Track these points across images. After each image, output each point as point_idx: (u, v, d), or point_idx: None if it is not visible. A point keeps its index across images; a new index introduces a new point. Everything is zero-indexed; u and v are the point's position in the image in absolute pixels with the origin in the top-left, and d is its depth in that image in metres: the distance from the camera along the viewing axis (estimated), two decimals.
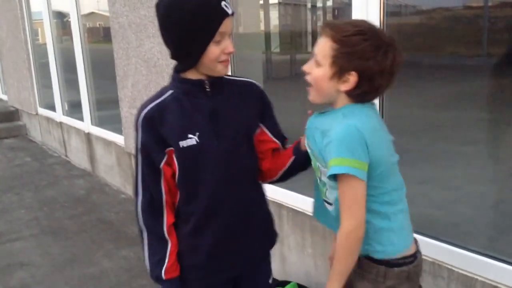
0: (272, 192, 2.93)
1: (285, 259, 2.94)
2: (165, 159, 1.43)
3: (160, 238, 1.49)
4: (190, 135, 1.41)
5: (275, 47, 7.31)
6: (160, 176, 1.45)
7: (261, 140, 1.57)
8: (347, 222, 1.27)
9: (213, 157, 1.44)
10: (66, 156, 6.48)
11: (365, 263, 1.38)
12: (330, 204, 1.41)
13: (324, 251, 2.62)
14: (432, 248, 2.09)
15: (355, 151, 1.22)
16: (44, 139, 7.34)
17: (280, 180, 1.64)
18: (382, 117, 2.22)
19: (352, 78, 1.26)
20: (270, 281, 1.70)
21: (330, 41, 1.27)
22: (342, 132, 1.23)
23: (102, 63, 5.26)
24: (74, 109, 6.09)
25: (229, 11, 1.35)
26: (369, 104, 1.36)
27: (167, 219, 1.48)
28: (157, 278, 1.50)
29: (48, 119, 6.92)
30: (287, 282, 2.67)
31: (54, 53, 6.47)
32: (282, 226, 2.90)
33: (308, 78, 1.35)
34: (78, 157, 6.04)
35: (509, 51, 2.59)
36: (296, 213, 2.78)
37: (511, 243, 2.17)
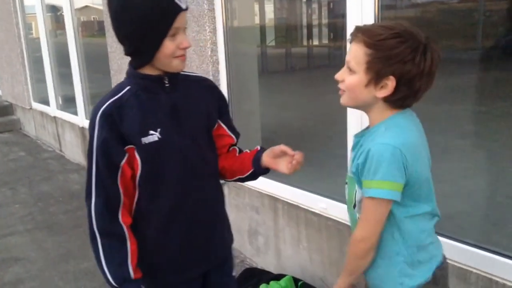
0: (267, 185, 2.93)
1: (280, 252, 2.95)
2: (125, 158, 1.39)
3: (119, 239, 1.41)
4: (151, 131, 1.39)
5: (270, 41, 7.29)
6: (118, 176, 1.40)
7: (219, 134, 1.59)
8: (360, 231, 1.30)
9: (175, 153, 1.43)
10: (61, 150, 6.45)
11: None
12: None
13: (319, 244, 2.63)
14: None
15: (395, 174, 1.19)
16: (38, 134, 7.30)
17: (231, 181, 1.67)
18: None
19: (390, 83, 1.21)
20: (234, 273, 1.73)
21: (363, 46, 1.22)
22: (383, 152, 1.19)
23: (97, 57, 5.22)
24: (69, 103, 6.06)
25: (183, 6, 1.34)
26: (410, 114, 1.32)
27: (124, 219, 1.42)
28: (124, 279, 1.41)
29: (42, 114, 6.88)
30: (282, 276, 2.67)
31: (48, 47, 6.43)
32: (277, 219, 2.91)
33: (342, 86, 1.30)
34: (73, 152, 6.01)
35: (504, 45, 2.59)
36: (291, 207, 2.78)
37: (505, 236, 2.18)
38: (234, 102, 3.23)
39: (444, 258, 1.45)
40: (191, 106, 1.48)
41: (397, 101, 1.25)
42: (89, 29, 6.53)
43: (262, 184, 2.98)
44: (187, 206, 1.47)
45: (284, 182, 2.85)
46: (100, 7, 4.79)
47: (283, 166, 1.49)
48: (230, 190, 3.27)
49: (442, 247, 1.47)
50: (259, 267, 3.10)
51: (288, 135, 4.19)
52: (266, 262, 3.07)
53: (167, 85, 1.43)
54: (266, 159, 1.53)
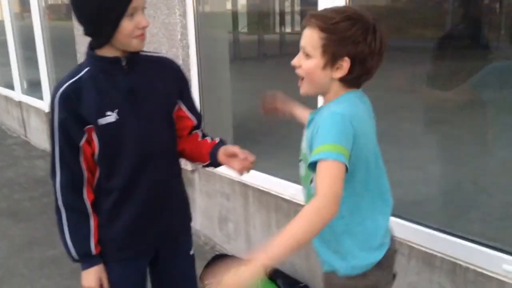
0: None
1: (250, 238, 2.95)
2: (84, 137, 1.43)
3: (83, 214, 1.49)
4: (108, 113, 1.42)
5: (242, 27, 7.24)
6: (80, 153, 1.45)
7: (179, 116, 1.61)
8: (319, 196, 1.14)
9: (132, 135, 1.45)
10: (26, 136, 6.28)
11: None
12: None
13: None
14: (393, 226, 2.13)
15: (342, 138, 1.20)
16: (2, 119, 7.08)
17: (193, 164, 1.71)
18: None
19: (345, 64, 1.25)
20: (191, 252, 1.75)
21: (318, 31, 1.26)
22: (328, 118, 1.22)
23: (63, 40, 5.07)
24: (34, 88, 5.89)
25: None
26: (361, 95, 1.36)
27: (88, 196, 1.49)
28: (85, 254, 1.49)
29: (7, 98, 6.67)
30: None
31: (13, 30, 6.21)
32: (248, 206, 2.91)
33: (299, 71, 1.33)
34: (38, 138, 5.85)
35: (470, 34, 2.63)
36: (261, 193, 2.79)
37: (469, 221, 2.24)
38: (205, 88, 3.19)
39: (393, 241, 1.46)
40: (149, 87, 1.49)
41: (352, 80, 1.30)
42: (56, 12, 6.33)
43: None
44: (141, 187, 1.50)
45: (255, 169, 2.84)
46: None
47: (235, 166, 1.54)
48: (200, 177, 3.25)
49: (394, 230, 1.49)
50: (229, 253, 3.10)
51: (260, 121, 4.18)
52: (237, 248, 3.07)
53: (124, 66, 1.44)
54: (221, 156, 1.57)
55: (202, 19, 3.09)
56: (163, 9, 3.08)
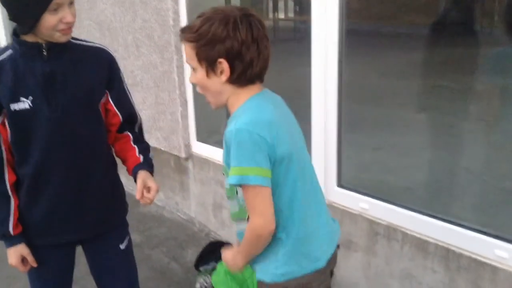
0: None
1: None
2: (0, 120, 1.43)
3: (3, 195, 1.50)
4: (22, 98, 1.42)
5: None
6: None
7: (107, 109, 1.60)
8: (253, 220, 1.25)
9: (43, 123, 1.45)
10: None
11: None
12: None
13: None
14: (387, 212, 2.15)
15: (254, 157, 1.19)
16: None
17: None
18: (341, 87, 2.23)
19: (224, 65, 1.23)
20: (123, 246, 1.74)
21: (188, 43, 1.26)
22: (237, 137, 1.19)
23: None
24: None
25: None
26: (267, 95, 1.33)
27: (8, 177, 1.50)
28: (3, 234, 1.52)
29: None
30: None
31: None
32: None
33: (199, 90, 1.34)
34: None
35: (462, 21, 2.62)
36: None
37: (462, 207, 2.26)
38: None
39: (327, 267, 1.37)
40: (71, 76, 1.48)
41: (240, 78, 1.27)
42: None
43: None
44: (54, 177, 1.50)
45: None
46: None
47: (138, 195, 1.54)
48: (194, 164, 3.24)
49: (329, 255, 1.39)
50: (224, 240, 3.11)
51: None
52: (231, 235, 3.08)
53: (44, 53, 1.43)
54: (138, 179, 1.57)
55: (194, 4, 3.05)
56: None
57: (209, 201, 3.20)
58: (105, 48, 1.62)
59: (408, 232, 2.08)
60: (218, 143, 3.25)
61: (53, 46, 1.43)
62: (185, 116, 3.19)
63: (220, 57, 1.23)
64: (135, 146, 1.65)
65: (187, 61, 1.31)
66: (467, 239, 1.90)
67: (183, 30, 1.28)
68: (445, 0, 2.87)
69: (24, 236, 1.55)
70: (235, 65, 1.24)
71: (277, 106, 1.33)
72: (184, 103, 3.17)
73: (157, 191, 1.57)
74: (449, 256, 1.94)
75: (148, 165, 1.63)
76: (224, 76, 1.25)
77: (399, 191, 2.37)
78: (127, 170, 1.66)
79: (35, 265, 1.58)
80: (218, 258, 2.69)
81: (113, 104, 1.59)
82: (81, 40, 1.56)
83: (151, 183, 1.56)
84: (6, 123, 1.44)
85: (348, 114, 2.32)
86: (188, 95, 3.16)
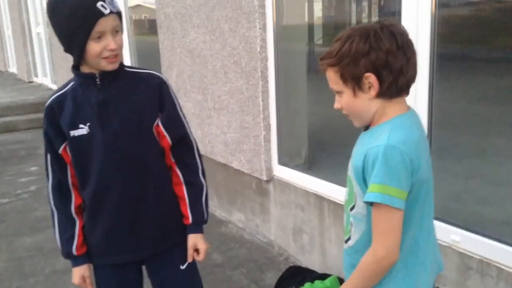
0: (313, 183, 2.91)
1: (325, 252, 2.92)
2: (62, 147, 1.57)
3: (69, 217, 1.63)
4: (81, 125, 1.54)
5: (318, 39, 7.23)
6: (63, 162, 1.59)
7: (158, 132, 1.65)
8: (379, 246, 1.21)
9: (99, 148, 1.54)
10: None
11: None
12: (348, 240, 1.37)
13: None
14: (480, 246, 2.03)
15: (400, 178, 1.16)
16: None
17: None
18: (431, 112, 2.17)
19: (371, 79, 1.20)
20: (183, 267, 1.75)
21: (330, 68, 1.26)
22: (386, 153, 1.16)
23: (147, 54, 5.35)
24: None
25: (106, 11, 1.42)
26: (411, 114, 1.29)
27: (74, 200, 1.63)
28: (67, 254, 1.64)
29: None
30: (327, 275, 2.64)
31: None
32: (323, 219, 2.88)
33: (344, 112, 1.32)
34: None
35: None
36: (337, 206, 2.75)
37: None
38: (281, 99, 3.23)
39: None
40: (123, 102, 1.57)
41: (390, 88, 1.21)
42: (141, 27, 6.69)
43: (308, 182, 2.96)
44: (110, 198, 1.59)
45: (331, 181, 2.82)
46: (152, 6, 4.90)
47: (190, 252, 1.71)
48: (275, 187, 3.27)
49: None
50: (303, 265, 3.08)
51: (334, 132, 4.14)
52: (311, 261, 3.05)
53: (98, 82, 1.53)
54: (188, 244, 1.70)
55: (280, 32, 3.13)
56: (243, 22, 3.16)
57: (289, 225, 3.20)
58: (157, 73, 1.68)
59: (504, 267, 1.94)
60: (299, 167, 3.26)
61: (105, 75, 1.53)
62: (268, 140, 3.25)
63: (367, 71, 1.19)
64: (186, 195, 1.70)
65: (331, 87, 1.29)
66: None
67: (323, 58, 1.26)
68: None
69: (88, 257, 1.66)
70: (383, 76, 1.19)
71: (418, 128, 1.30)
72: (268, 127, 3.23)
73: (206, 251, 1.71)
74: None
75: (196, 226, 1.71)
76: (373, 91, 1.22)
77: (494, 223, 2.22)
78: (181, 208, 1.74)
79: None
80: (297, 283, 2.68)
81: (162, 127, 1.64)
82: (134, 68, 1.67)
83: (200, 245, 1.70)
84: (68, 149, 1.57)
85: (439, 140, 2.24)
86: (271, 119, 3.22)
